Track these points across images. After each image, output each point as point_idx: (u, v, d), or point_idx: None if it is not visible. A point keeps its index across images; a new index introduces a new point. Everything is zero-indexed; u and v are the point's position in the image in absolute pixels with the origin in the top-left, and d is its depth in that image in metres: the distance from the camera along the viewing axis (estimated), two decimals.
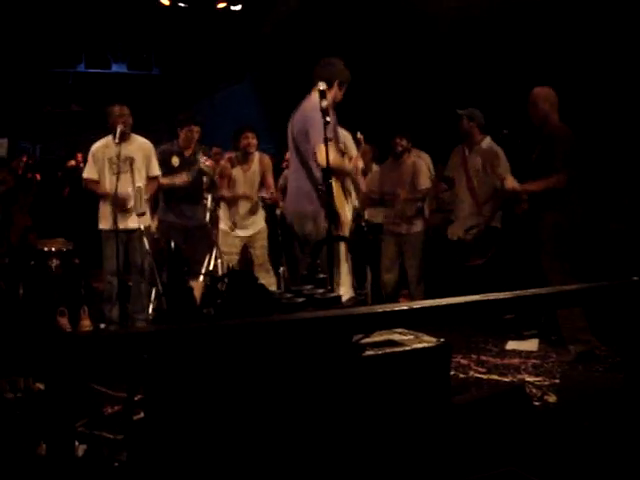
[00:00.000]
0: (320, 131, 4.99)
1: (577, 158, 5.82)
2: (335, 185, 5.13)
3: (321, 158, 5.02)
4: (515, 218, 6.75)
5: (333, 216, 5.08)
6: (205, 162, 7.36)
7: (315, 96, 5.18)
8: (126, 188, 6.76)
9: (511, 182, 6.07)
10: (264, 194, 7.60)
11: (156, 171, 7.06)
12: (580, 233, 5.91)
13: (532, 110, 5.97)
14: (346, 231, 5.33)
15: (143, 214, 6.65)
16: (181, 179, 7.27)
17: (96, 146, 7.02)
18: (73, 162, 12.19)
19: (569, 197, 5.80)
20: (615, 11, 7.22)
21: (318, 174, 5.11)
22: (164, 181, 7.23)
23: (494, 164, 6.86)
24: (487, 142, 6.98)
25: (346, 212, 5.32)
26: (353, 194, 5.55)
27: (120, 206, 6.68)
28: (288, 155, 5.87)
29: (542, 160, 5.88)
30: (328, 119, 4.86)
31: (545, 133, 5.92)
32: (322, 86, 4.94)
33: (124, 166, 6.81)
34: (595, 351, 5.91)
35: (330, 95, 5.26)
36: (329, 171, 5.06)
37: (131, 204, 6.71)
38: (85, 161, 7.98)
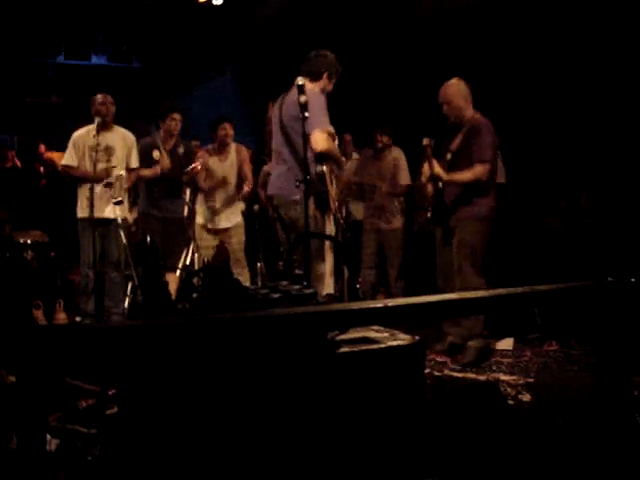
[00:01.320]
0: (318, 116, 5.03)
1: (496, 150, 5.81)
2: (327, 171, 5.18)
3: (315, 142, 5.02)
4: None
5: (324, 203, 5.10)
6: (197, 167, 7.32)
7: (311, 85, 5.19)
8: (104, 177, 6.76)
9: (439, 169, 5.84)
10: (243, 187, 7.56)
11: (135, 163, 7.06)
12: (495, 227, 5.90)
13: (446, 109, 5.88)
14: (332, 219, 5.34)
15: (121, 202, 6.62)
16: (162, 165, 7.24)
17: (77, 133, 7.01)
18: (42, 152, 12.15)
19: (489, 189, 5.80)
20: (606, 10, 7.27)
21: (309, 159, 5.07)
22: (147, 172, 7.22)
23: (432, 162, 6.73)
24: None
25: (334, 199, 5.32)
26: (336, 184, 5.53)
27: (101, 180, 6.67)
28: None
29: (464, 151, 5.82)
30: (307, 114, 4.85)
31: (464, 124, 5.84)
32: (300, 81, 4.92)
33: (104, 155, 6.80)
34: (570, 347, 5.95)
35: (318, 86, 5.28)
36: (323, 157, 5.08)
37: (109, 192, 6.69)
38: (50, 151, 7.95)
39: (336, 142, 5.72)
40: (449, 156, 5.92)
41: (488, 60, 8.17)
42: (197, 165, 7.24)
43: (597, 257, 6.70)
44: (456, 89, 5.86)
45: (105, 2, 12.21)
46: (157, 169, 7.23)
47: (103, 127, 6.77)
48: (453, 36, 8.68)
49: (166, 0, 11.55)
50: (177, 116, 7.50)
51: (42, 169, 11.66)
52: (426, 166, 5.91)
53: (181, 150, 7.48)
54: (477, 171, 5.68)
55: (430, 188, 6.10)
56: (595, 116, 7.35)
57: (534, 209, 7.36)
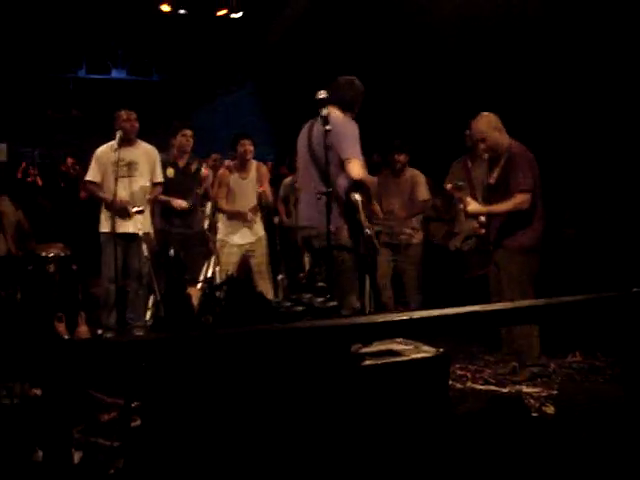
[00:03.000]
0: (355, 146, 5.03)
1: (536, 177, 5.73)
2: (359, 200, 5.09)
3: (353, 170, 4.99)
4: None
5: (357, 231, 5.06)
6: (204, 171, 7.35)
7: (340, 113, 5.15)
8: (128, 192, 6.78)
9: (474, 205, 5.90)
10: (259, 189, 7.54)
11: (159, 177, 7.10)
12: (541, 252, 5.84)
13: (484, 145, 5.82)
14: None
15: (142, 212, 6.64)
16: (179, 204, 7.27)
17: (101, 149, 7.04)
18: (64, 167, 12.20)
19: (532, 220, 5.72)
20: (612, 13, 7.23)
21: (343, 185, 5.06)
22: (162, 198, 7.25)
23: (465, 200, 6.66)
24: None
25: (366, 227, 5.21)
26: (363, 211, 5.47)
27: (119, 212, 6.69)
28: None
29: (503, 182, 5.74)
30: (328, 127, 4.83)
31: (500, 155, 5.78)
32: (322, 94, 4.91)
33: (127, 170, 6.84)
34: (595, 358, 5.90)
35: (350, 115, 5.24)
36: (358, 185, 5.06)
37: (131, 209, 6.72)
38: (79, 166, 7.98)
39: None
40: (491, 189, 5.93)
41: (499, 77, 8.16)
42: (205, 172, 7.28)
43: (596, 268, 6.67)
44: (487, 123, 5.80)
45: (125, 16, 12.28)
46: (175, 203, 7.25)
47: (126, 142, 6.82)
48: (466, 53, 8.66)
49: (185, 14, 11.58)
50: (188, 132, 7.50)
51: (63, 184, 11.70)
52: (461, 208, 6.01)
53: (194, 167, 7.50)
54: (517, 200, 5.60)
55: (476, 224, 6.16)
56: (588, 127, 7.32)
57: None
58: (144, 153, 7.04)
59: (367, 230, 5.12)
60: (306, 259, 7.72)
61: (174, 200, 7.27)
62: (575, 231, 7.23)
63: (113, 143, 6.81)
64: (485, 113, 5.85)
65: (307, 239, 5.33)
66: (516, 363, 5.88)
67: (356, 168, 4.99)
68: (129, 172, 6.88)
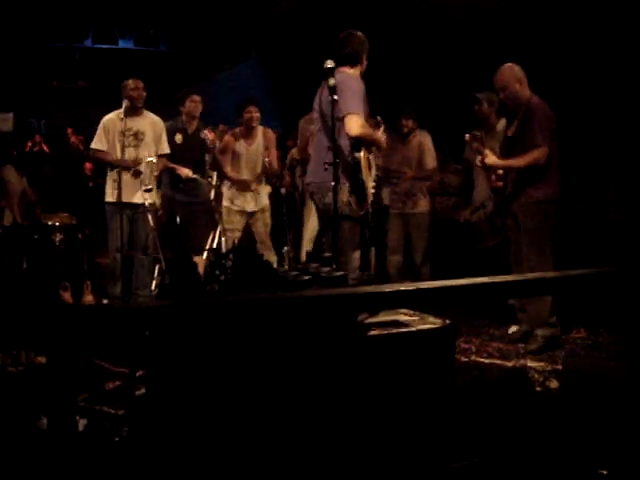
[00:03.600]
0: (353, 100, 4.97)
1: (555, 133, 5.74)
2: (363, 157, 5.10)
3: (349, 127, 4.96)
4: None
5: (359, 189, 5.05)
6: (207, 135, 7.31)
7: (347, 70, 5.13)
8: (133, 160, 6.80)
9: (492, 157, 5.90)
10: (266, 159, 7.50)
11: (166, 149, 7.08)
12: (560, 210, 5.84)
13: (503, 94, 5.83)
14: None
15: (150, 190, 6.65)
16: (185, 173, 7.26)
17: (107, 118, 7.02)
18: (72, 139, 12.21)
19: (549, 173, 5.72)
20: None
21: (345, 144, 5.03)
22: (168, 165, 7.22)
23: (484, 152, 6.66)
24: (502, 124, 6.85)
25: (369, 186, 5.22)
26: (374, 168, 5.44)
27: (132, 168, 6.69)
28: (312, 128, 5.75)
29: (520, 136, 5.76)
30: (335, 97, 4.81)
31: (520, 108, 5.80)
32: (330, 64, 4.88)
33: (133, 140, 6.82)
34: (561, 337, 5.88)
35: (358, 70, 5.24)
36: (359, 141, 5.02)
37: (142, 172, 6.72)
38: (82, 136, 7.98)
39: (381, 129, 5.64)
40: (509, 141, 5.92)
41: (518, 47, 8.07)
42: (207, 133, 7.26)
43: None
44: (510, 73, 5.80)
45: None
46: (182, 172, 7.23)
47: (133, 112, 6.81)
48: (478, 20, 8.58)
49: None
50: (196, 98, 7.50)
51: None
52: (479, 157, 5.96)
53: (203, 134, 7.47)
54: (534, 155, 5.62)
55: (493, 177, 6.13)
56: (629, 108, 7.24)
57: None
58: (151, 123, 7.02)
59: (370, 190, 5.13)
60: (307, 230, 7.77)
61: (181, 169, 7.26)
62: (622, 218, 7.16)
63: (120, 112, 6.78)
64: (509, 64, 5.85)
65: (311, 195, 5.39)
66: (528, 328, 5.91)
67: (352, 124, 4.95)
68: (135, 142, 6.86)
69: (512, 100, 5.82)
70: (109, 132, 6.92)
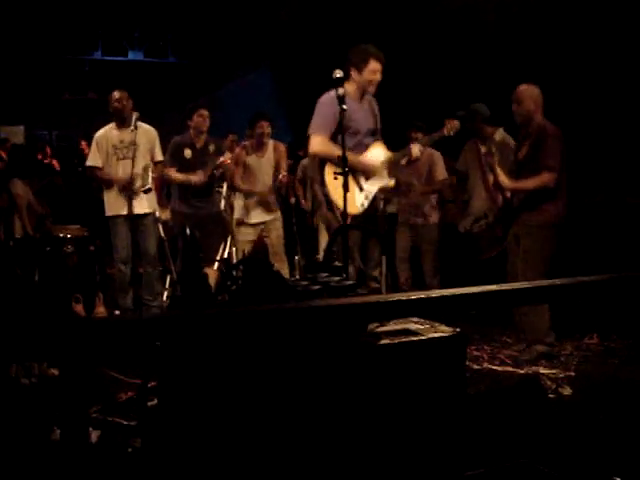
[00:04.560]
0: (315, 121, 5.10)
1: (565, 158, 5.74)
2: (328, 174, 5.15)
3: (310, 146, 5.12)
4: None
5: (328, 204, 5.10)
6: (223, 160, 7.32)
7: (346, 86, 5.15)
8: (129, 174, 6.78)
9: (504, 178, 5.89)
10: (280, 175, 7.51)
11: (159, 156, 7.07)
12: (561, 233, 5.84)
13: (517, 108, 5.82)
14: (348, 221, 5.25)
15: (149, 190, 6.62)
16: (197, 178, 7.23)
17: (99, 133, 7.04)
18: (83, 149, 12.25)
19: (555, 197, 5.73)
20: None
21: (316, 163, 5.15)
22: (179, 177, 7.20)
23: (496, 171, 6.63)
24: (500, 134, 6.85)
25: (340, 204, 5.09)
26: (367, 184, 5.42)
27: (126, 188, 6.70)
28: None
29: (531, 159, 5.76)
30: (345, 107, 4.82)
31: (531, 131, 5.82)
32: (338, 74, 4.89)
33: (128, 151, 6.81)
34: (555, 352, 5.85)
35: (351, 85, 5.24)
36: (328, 160, 5.11)
37: (137, 184, 6.72)
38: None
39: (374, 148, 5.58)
40: (519, 164, 5.93)
41: (527, 57, 8.07)
42: (226, 160, 7.23)
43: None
44: (529, 92, 5.82)
45: None
46: (190, 179, 7.21)
47: (123, 123, 6.82)
48: (485, 33, 8.58)
49: None
50: (204, 112, 7.48)
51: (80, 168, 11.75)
52: (491, 175, 6.01)
53: (212, 148, 7.47)
54: (543, 178, 5.64)
55: (500, 197, 6.19)
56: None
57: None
58: (143, 134, 6.96)
59: (332, 207, 5.17)
60: (321, 240, 7.74)
61: (190, 176, 7.24)
62: None
63: (111, 125, 6.86)
64: (532, 85, 5.88)
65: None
66: (527, 342, 5.90)
67: (310, 143, 5.12)
68: (129, 154, 6.83)
69: (522, 116, 5.83)
70: (102, 147, 6.93)
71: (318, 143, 5.11)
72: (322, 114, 5.15)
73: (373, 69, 5.23)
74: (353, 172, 5.12)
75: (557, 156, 5.65)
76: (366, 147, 5.30)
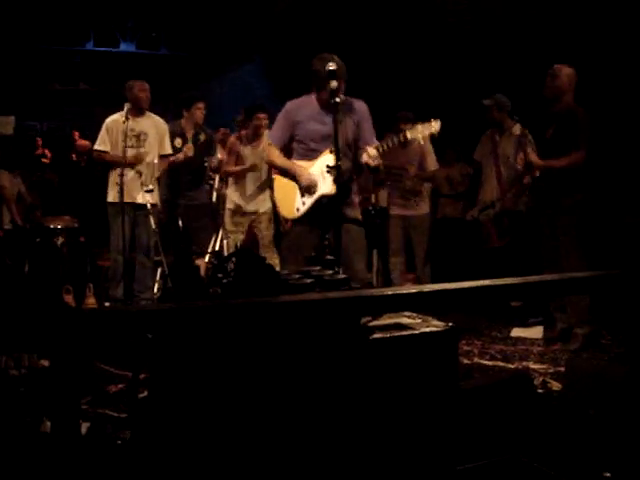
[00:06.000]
0: (274, 131, 5.27)
1: (592, 139, 5.80)
2: (277, 180, 5.41)
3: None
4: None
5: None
6: (214, 161, 7.37)
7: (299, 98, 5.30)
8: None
9: (535, 157, 6.00)
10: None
11: (168, 149, 7.11)
12: (595, 215, 5.93)
13: (550, 82, 5.90)
14: (288, 225, 5.54)
15: (151, 191, 6.66)
16: (185, 154, 7.25)
17: (110, 119, 7.04)
18: (76, 140, 12.20)
19: (586, 178, 5.80)
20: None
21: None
22: (170, 158, 7.24)
23: (527, 150, 6.62)
24: (518, 128, 6.86)
25: (282, 206, 5.39)
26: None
27: (132, 165, 6.72)
28: None
29: (559, 138, 5.83)
30: (338, 99, 4.77)
31: (560, 110, 5.86)
32: (332, 66, 4.83)
33: (136, 141, 6.84)
34: (601, 336, 5.94)
35: (312, 99, 5.19)
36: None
37: (143, 176, 6.75)
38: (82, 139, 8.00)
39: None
40: (547, 143, 6.01)
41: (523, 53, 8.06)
42: (222, 157, 7.29)
43: None
44: (567, 70, 5.91)
45: None
46: (179, 156, 7.24)
47: (137, 113, 6.83)
48: (479, 22, 8.57)
49: None
50: (202, 105, 7.55)
51: (74, 156, 11.70)
52: (521, 154, 6.17)
53: (202, 137, 7.49)
54: (573, 158, 5.73)
55: (527, 178, 6.29)
56: None
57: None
58: (154, 125, 7.04)
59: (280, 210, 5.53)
60: None
61: (180, 153, 7.27)
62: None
63: (123, 113, 6.81)
64: (572, 68, 5.95)
65: None
66: (564, 326, 6.00)
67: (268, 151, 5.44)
68: (138, 143, 6.88)
69: (553, 91, 5.90)
70: (112, 133, 6.94)
71: (270, 153, 5.31)
72: (277, 124, 5.27)
73: (332, 87, 5.00)
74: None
75: (587, 137, 5.75)
76: (319, 154, 5.17)
